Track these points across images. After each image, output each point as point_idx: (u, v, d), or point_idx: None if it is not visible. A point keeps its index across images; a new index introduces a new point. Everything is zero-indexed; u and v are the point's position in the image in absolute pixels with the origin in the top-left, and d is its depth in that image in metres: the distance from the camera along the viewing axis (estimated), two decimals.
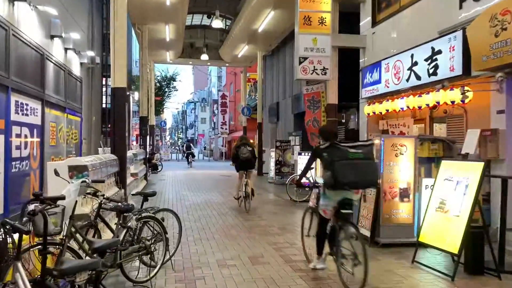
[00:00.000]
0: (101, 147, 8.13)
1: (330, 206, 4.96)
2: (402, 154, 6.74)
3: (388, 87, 10.17)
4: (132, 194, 6.32)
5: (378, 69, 10.63)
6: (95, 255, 3.64)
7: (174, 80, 40.41)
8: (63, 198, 3.15)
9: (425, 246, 5.71)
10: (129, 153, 11.48)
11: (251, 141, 10.86)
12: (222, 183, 16.77)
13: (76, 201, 3.83)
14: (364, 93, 11.42)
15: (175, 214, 5.68)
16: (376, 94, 10.76)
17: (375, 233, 6.59)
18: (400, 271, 5.26)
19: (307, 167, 5.32)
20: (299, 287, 4.67)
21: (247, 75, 28.36)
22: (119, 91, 8.40)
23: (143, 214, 4.68)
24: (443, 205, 5.45)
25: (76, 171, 5.28)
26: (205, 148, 55.98)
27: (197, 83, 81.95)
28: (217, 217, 8.99)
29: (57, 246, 3.59)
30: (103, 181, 4.90)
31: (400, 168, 6.72)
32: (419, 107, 8.96)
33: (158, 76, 39.66)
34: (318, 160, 5.27)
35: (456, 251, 5.01)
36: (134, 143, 20.00)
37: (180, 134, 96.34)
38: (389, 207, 6.66)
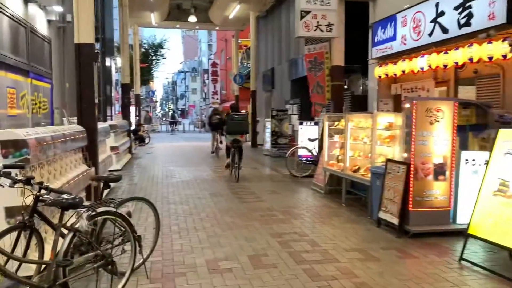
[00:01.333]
0: (64, 117, 6.65)
1: (228, 141, 9.99)
2: (438, 121, 5.38)
3: (405, 44, 8.73)
4: (91, 179, 4.86)
5: (392, 24, 9.15)
6: None
7: (162, 48, 38.32)
8: None
9: (477, 239, 4.43)
10: (105, 124, 10.01)
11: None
12: (214, 156, 15.39)
13: None
14: (375, 52, 9.96)
15: (151, 204, 4.28)
16: (389, 53, 9.32)
17: (404, 220, 5.30)
18: (449, 276, 3.97)
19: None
20: None
21: (239, 41, 26.55)
22: (85, 48, 6.85)
23: (99, 210, 3.28)
24: (505, 188, 4.13)
25: (11, 148, 3.85)
26: (198, 119, 54.28)
27: (187, 52, 79.50)
28: (207, 198, 7.65)
29: None
30: (22, 167, 3.45)
31: (435, 139, 5.37)
32: (445, 66, 7.56)
33: (145, 44, 37.64)
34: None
35: None
36: (119, 113, 18.48)
37: (171, 105, 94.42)
38: (422, 188, 5.35)
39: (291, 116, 15.10)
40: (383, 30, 9.57)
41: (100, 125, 9.07)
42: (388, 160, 5.76)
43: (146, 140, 21.67)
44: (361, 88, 14.23)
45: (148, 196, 7.82)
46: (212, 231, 5.47)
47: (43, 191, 3.16)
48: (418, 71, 8.35)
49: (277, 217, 6.21)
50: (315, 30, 9.67)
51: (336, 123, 7.82)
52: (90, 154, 6.85)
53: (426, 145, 5.37)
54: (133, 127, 20.59)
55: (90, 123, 6.91)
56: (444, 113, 5.37)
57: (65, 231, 3.06)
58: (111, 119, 16.20)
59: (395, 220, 5.33)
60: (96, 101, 7.17)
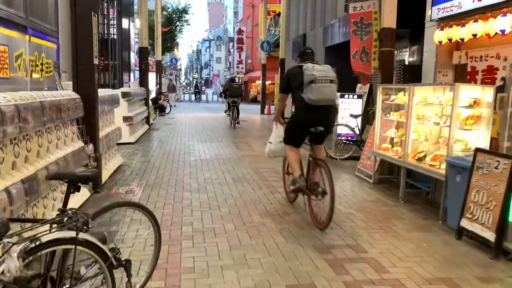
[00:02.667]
0: (57, 82, 5.34)
1: (230, 101, 15.66)
2: None
3: (479, 0, 6.99)
4: (47, 178, 3.44)
5: None
6: None
7: (186, 13, 36.68)
8: None
9: None
10: (115, 92, 8.69)
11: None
12: (239, 130, 14.02)
13: None
14: (436, 12, 8.19)
15: (147, 211, 2.89)
16: (456, 13, 7.58)
17: (504, 235, 3.82)
18: None
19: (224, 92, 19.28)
20: None
21: (267, 6, 24.68)
22: None
23: (45, 238, 1.90)
24: None
25: None
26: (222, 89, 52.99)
27: (212, 20, 77.65)
28: (231, 185, 6.30)
29: None
30: None
31: None
32: None
33: (168, 8, 36.12)
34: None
35: None
36: (137, 80, 17.23)
37: (195, 74, 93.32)
38: None
39: None
40: None
41: (107, 92, 7.75)
42: (479, 150, 4.23)
43: (167, 110, 20.48)
44: (407, 56, 12.49)
45: (160, 179, 6.55)
46: (235, 237, 4.12)
47: None
48: (496, 34, 6.64)
49: None
50: None
51: (393, 96, 6.27)
52: (88, 127, 5.55)
53: None
54: (153, 95, 19.35)
55: (88, 90, 5.59)
56: None
57: None
58: (129, 87, 14.94)
59: (489, 235, 3.85)
60: (96, 62, 5.77)
